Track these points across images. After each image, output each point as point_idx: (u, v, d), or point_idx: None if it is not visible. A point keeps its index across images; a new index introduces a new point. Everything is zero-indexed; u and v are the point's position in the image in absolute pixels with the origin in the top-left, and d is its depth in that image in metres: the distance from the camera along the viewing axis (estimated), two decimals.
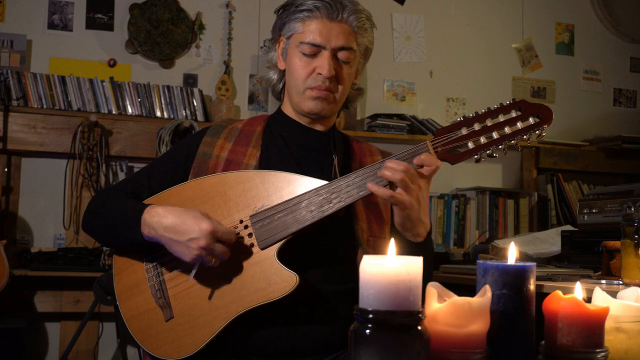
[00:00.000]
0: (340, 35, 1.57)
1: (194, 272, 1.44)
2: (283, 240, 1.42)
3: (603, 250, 1.99)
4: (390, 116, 3.81)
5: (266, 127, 1.68)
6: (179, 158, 1.64)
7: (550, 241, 2.87)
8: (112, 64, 3.58)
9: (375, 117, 3.80)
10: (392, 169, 1.34)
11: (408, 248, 1.44)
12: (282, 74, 1.68)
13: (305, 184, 1.44)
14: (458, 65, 4.16)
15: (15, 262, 3.20)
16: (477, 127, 1.40)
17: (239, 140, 1.64)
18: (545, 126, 1.39)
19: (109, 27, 3.61)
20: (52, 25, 3.54)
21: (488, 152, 1.40)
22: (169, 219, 1.42)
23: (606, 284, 1.87)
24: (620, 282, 1.80)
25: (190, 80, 3.70)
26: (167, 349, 1.47)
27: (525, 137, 1.40)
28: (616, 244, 1.88)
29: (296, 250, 1.44)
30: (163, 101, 3.53)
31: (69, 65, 3.52)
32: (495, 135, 1.40)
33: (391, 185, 1.38)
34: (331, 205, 1.40)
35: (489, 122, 1.40)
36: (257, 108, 3.79)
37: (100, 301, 2.91)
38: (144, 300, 1.52)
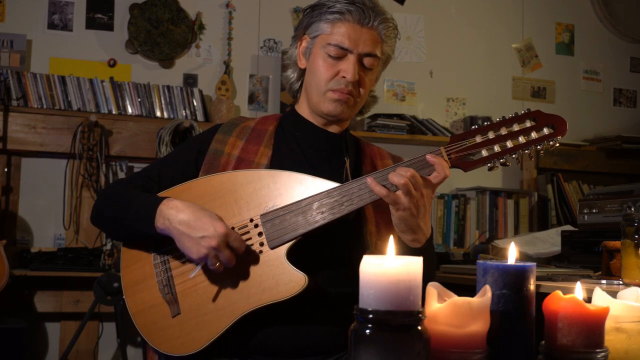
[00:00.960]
0: (368, 41, 1.56)
1: (196, 270, 1.45)
2: (293, 241, 1.42)
3: (603, 250, 1.99)
4: (390, 116, 3.81)
5: (278, 126, 1.68)
6: (190, 154, 1.64)
7: (550, 241, 2.87)
8: (112, 64, 3.58)
9: (375, 117, 3.80)
10: (399, 174, 1.34)
11: (406, 253, 1.43)
12: (301, 73, 1.67)
13: (317, 185, 1.44)
14: (458, 65, 4.16)
15: (15, 262, 3.20)
16: (491, 135, 1.40)
17: (251, 138, 1.63)
18: (559, 137, 1.39)
19: (109, 27, 3.61)
20: (52, 25, 3.54)
21: (501, 160, 1.39)
22: (185, 213, 1.42)
23: (606, 284, 1.86)
24: (620, 282, 1.80)
25: (190, 80, 3.70)
26: (172, 344, 1.47)
27: (539, 147, 1.39)
28: (616, 244, 1.88)
29: (304, 251, 1.44)
30: (163, 101, 3.53)
31: (69, 65, 3.52)
32: (509, 144, 1.39)
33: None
34: (342, 207, 1.40)
35: (503, 131, 1.40)
36: (257, 108, 3.79)
37: (100, 301, 2.91)
38: (151, 296, 1.51)
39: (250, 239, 1.45)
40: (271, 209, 1.45)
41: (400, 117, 3.84)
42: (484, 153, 1.40)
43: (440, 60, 4.13)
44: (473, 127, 1.43)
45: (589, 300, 0.95)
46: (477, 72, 4.19)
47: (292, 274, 1.40)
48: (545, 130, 1.39)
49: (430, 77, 4.11)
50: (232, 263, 1.41)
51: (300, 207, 1.42)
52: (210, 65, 3.75)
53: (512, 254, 0.95)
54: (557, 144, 1.40)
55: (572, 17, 4.42)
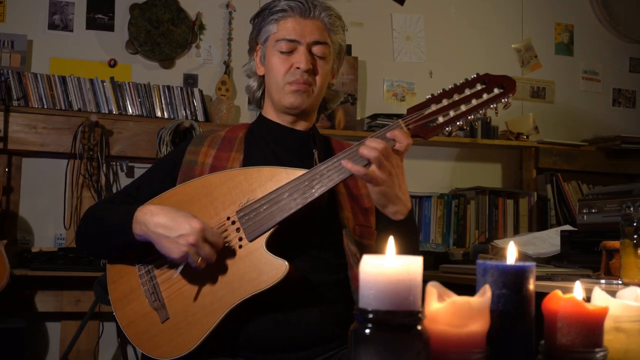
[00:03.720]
0: (315, 30, 1.64)
1: (180, 268, 1.47)
2: (270, 230, 1.45)
3: (602, 250, 2.00)
4: (390, 116, 3.80)
5: (248, 132, 1.74)
6: (166, 168, 1.69)
7: (549, 241, 2.87)
8: (112, 64, 3.59)
9: (375, 117, 3.80)
10: (370, 147, 1.41)
11: (389, 228, 1.46)
12: (261, 80, 1.74)
13: (287, 174, 1.48)
14: (458, 65, 4.15)
15: (16, 262, 3.20)
16: (445, 102, 1.48)
17: (222, 146, 1.68)
18: (510, 95, 1.48)
19: (110, 27, 3.61)
20: (52, 26, 3.54)
21: (458, 124, 1.47)
22: (160, 216, 1.46)
23: (605, 283, 1.87)
24: (620, 282, 1.80)
25: (190, 81, 3.70)
26: (165, 349, 1.48)
27: (492, 106, 1.48)
28: (615, 243, 1.89)
29: (284, 242, 1.47)
30: (163, 101, 3.53)
31: (70, 65, 3.52)
32: (463, 108, 1.47)
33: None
34: (313, 191, 1.44)
35: (456, 97, 1.48)
36: (256, 108, 3.77)
37: (101, 301, 2.91)
38: (140, 306, 1.54)
39: (229, 236, 1.48)
40: (246, 204, 1.48)
41: (400, 117, 3.83)
42: (441, 120, 1.47)
43: (440, 60, 4.13)
44: (427, 97, 1.49)
45: (588, 300, 0.95)
46: (477, 72, 4.18)
47: (273, 262, 1.42)
48: (496, 91, 1.48)
49: (430, 77, 4.11)
50: (213, 258, 1.43)
51: (273, 197, 1.46)
52: (210, 66, 3.75)
53: (512, 253, 0.95)
54: (510, 102, 1.48)
55: (572, 17, 4.42)
